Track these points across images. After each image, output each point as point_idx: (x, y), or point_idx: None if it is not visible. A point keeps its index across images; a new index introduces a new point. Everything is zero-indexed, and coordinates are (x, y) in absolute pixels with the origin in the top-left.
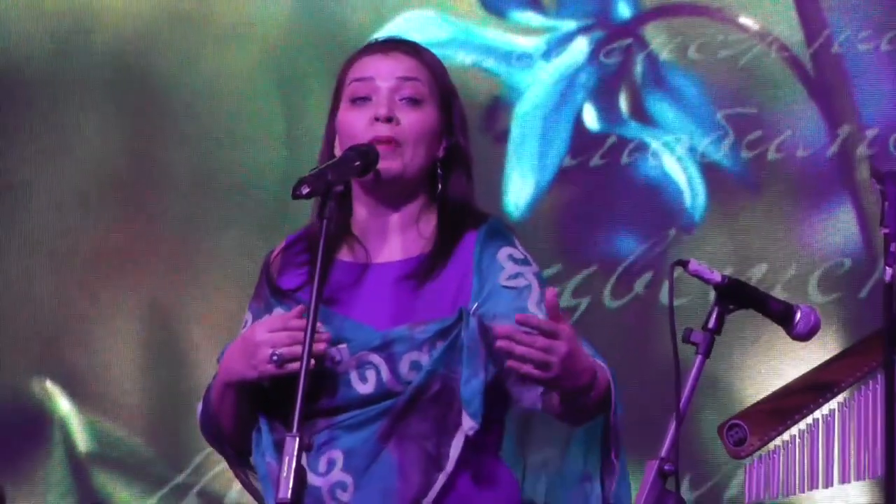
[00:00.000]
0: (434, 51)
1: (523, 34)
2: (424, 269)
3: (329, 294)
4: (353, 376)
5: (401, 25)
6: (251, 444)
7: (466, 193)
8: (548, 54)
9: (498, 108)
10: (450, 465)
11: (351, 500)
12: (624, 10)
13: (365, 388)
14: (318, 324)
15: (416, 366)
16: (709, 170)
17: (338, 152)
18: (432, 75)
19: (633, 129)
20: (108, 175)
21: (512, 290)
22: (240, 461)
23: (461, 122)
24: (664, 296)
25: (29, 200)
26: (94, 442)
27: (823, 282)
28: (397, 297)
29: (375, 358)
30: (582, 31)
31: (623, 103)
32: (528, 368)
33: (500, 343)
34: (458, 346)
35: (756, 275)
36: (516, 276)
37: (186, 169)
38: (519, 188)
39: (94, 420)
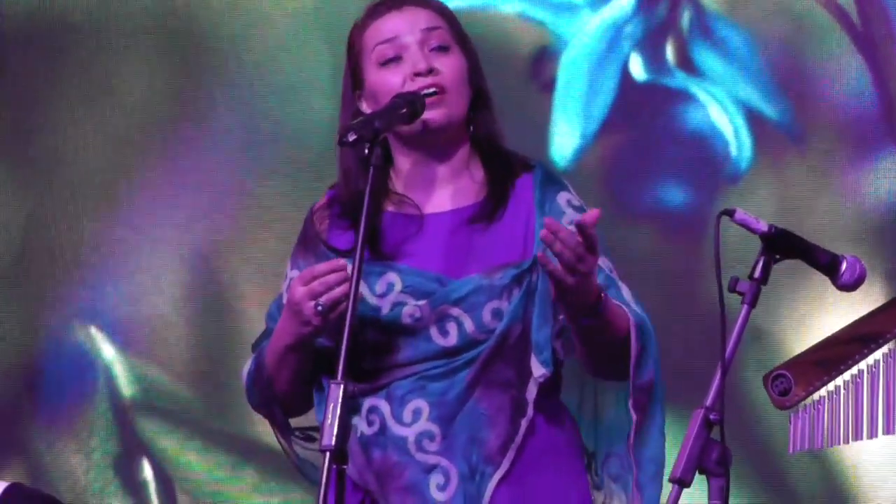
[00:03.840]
0: (480, 0)
1: None
2: (487, 212)
3: (389, 248)
4: (434, 331)
5: None
6: (305, 403)
7: (498, 133)
8: (594, 4)
9: (544, 58)
10: (530, 410)
11: (438, 450)
12: None
13: (446, 340)
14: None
15: (497, 313)
16: (755, 121)
17: None
18: (448, 21)
19: (680, 80)
20: (152, 122)
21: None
22: (285, 425)
23: (479, 63)
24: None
25: (72, 146)
26: (138, 388)
27: (868, 232)
28: (461, 245)
29: (456, 310)
30: None
31: (670, 54)
32: (555, 265)
33: (543, 233)
34: (532, 291)
35: (801, 225)
36: None
37: (230, 117)
38: (565, 138)
39: (139, 366)
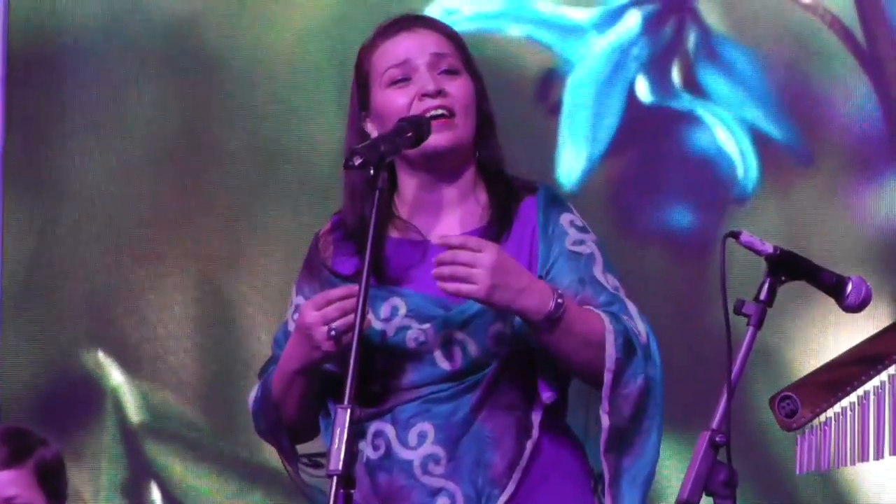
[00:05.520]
0: (486, 23)
1: (576, 6)
2: (491, 236)
3: (394, 273)
4: (438, 355)
5: None
6: (312, 429)
7: (502, 158)
8: (601, 27)
9: (551, 81)
10: (535, 432)
11: (444, 473)
12: None
13: (451, 364)
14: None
15: (501, 337)
16: (761, 142)
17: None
18: (458, 45)
19: (686, 102)
20: (160, 146)
21: (577, 256)
22: (292, 452)
23: (485, 88)
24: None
25: (81, 171)
26: (146, 412)
27: (875, 253)
28: None
29: (460, 334)
30: (635, 3)
31: (676, 76)
32: (454, 287)
33: (433, 272)
34: None
35: (808, 247)
36: (580, 242)
37: (238, 140)
38: (571, 160)
39: (147, 390)
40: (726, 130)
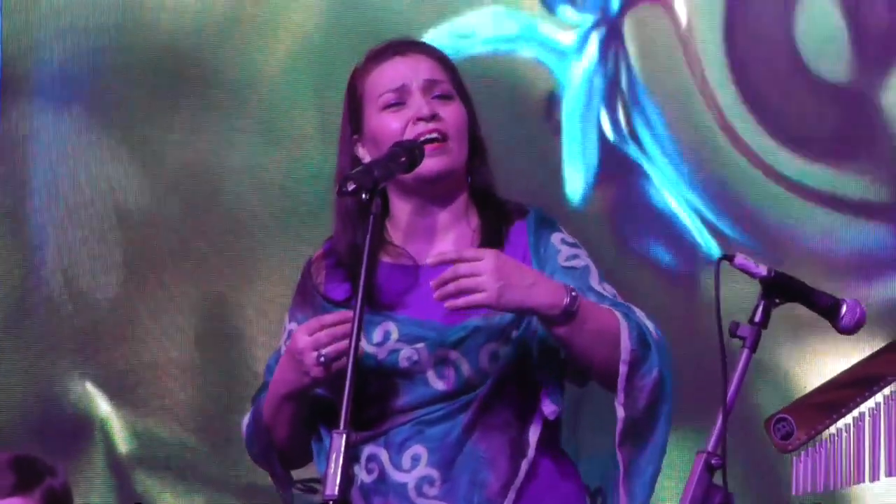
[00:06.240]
0: (502, 45)
1: (564, 29)
2: None
3: (386, 299)
4: (431, 375)
5: (471, 20)
6: (304, 454)
7: (493, 182)
8: (578, 51)
9: (553, 102)
10: (531, 451)
11: (439, 495)
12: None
13: (444, 384)
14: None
15: (494, 356)
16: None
17: (367, 161)
18: (450, 71)
19: (633, 151)
20: (153, 171)
21: (572, 271)
22: (286, 477)
23: (475, 113)
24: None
25: (69, 197)
26: (135, 442)
27: (868, 275)
28: None
29: (453, 354)
30: (595, 26)
31: (621, 117)
32: (464, 300)
33: (435, 295)
34: (531, 332)
35: (801, 269)
36: (573, 257)
37: (231, 163)
38: (575, 179)
39: (135, 420)
40: (673, 198)
